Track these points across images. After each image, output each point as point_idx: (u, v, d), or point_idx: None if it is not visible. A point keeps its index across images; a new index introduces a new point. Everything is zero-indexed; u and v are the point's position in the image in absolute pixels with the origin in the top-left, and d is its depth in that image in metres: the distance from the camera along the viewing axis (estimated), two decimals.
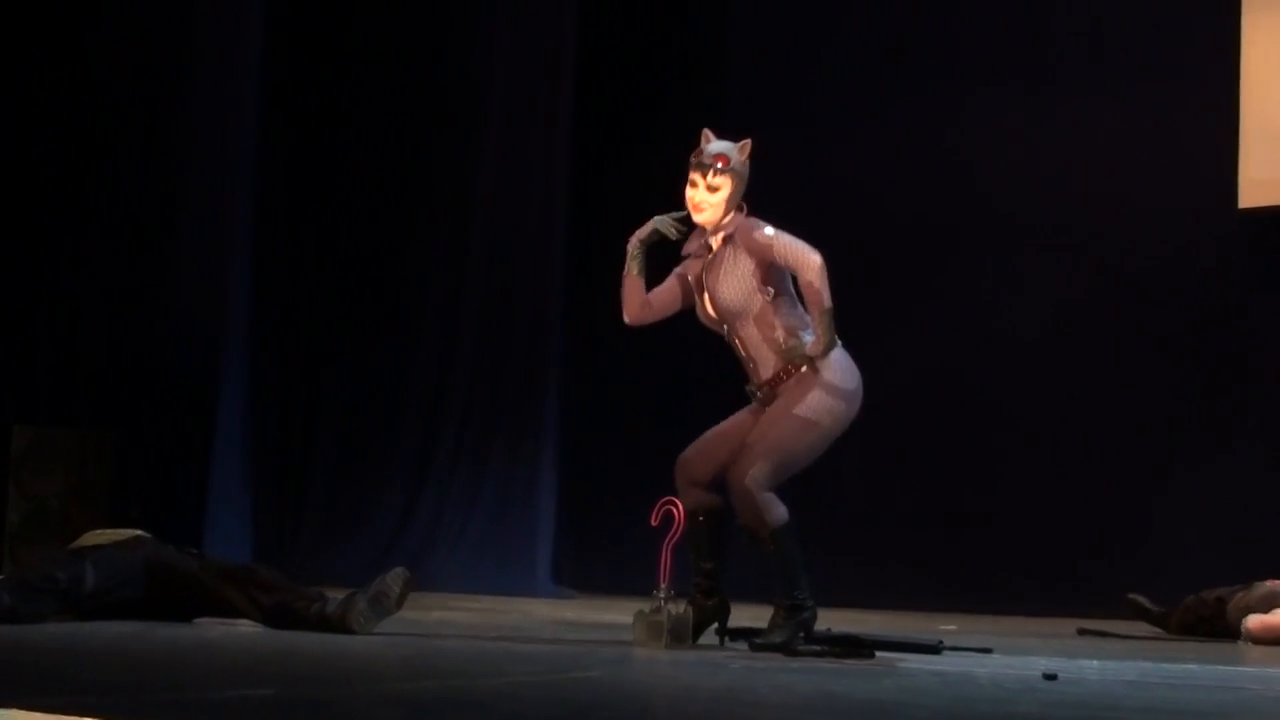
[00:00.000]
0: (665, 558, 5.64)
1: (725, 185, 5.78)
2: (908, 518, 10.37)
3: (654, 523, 5.66)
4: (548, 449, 10.96)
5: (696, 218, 5.84)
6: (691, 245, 5.93)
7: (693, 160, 5.84)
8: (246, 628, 5.88)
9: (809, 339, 5.75)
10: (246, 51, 10.89)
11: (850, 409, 5.80)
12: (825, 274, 5.64)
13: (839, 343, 5.79)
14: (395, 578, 5.78)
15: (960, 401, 10.39)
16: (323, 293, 11.64)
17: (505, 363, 11.13)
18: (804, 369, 5.74)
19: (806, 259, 5.66)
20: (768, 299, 5.76)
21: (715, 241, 5.85)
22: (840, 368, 5.78)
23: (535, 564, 10.64)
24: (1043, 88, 10.45)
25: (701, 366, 9.20)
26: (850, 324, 10.53)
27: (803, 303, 5.77)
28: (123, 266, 10.86)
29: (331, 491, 11.38)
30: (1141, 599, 8.02)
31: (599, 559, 11.15)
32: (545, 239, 11.08)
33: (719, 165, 5.78)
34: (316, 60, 11.72)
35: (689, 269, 5.94)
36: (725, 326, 5.86)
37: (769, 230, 5.75)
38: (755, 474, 5.61)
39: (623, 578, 9.99)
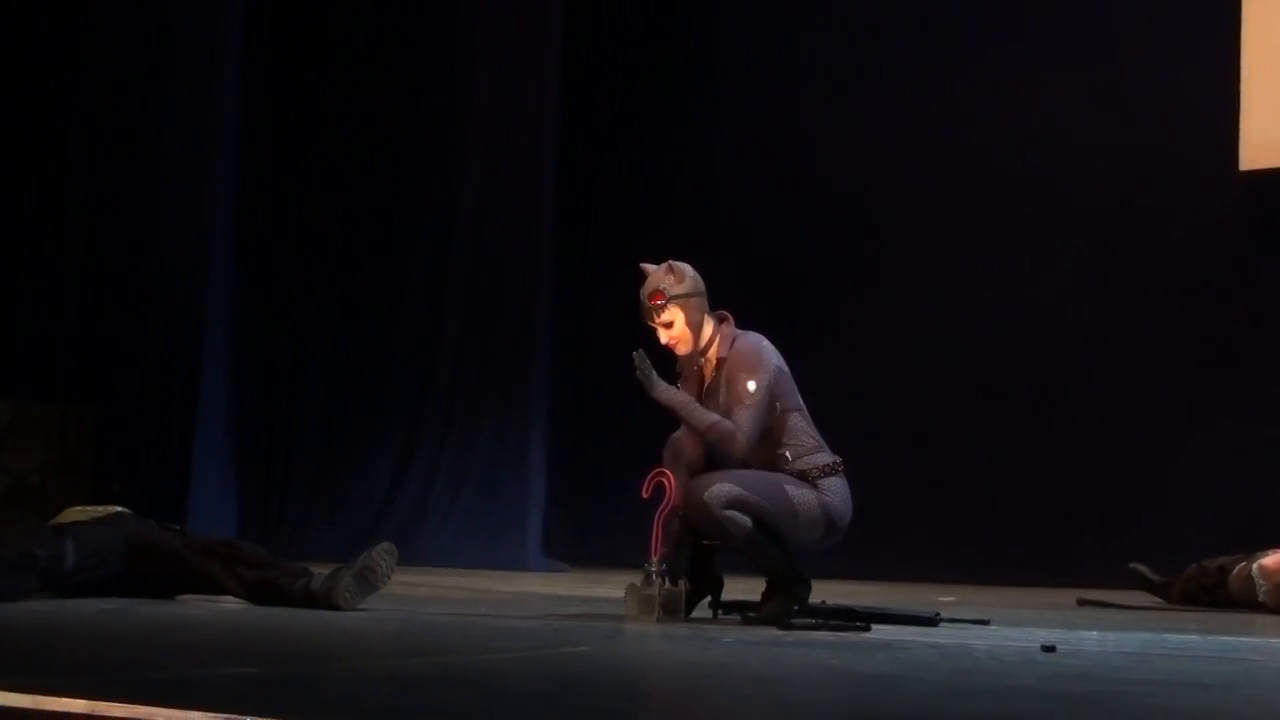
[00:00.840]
0: (657, 530, 5.64)
1: (676, 315, 5.76)
2: (905, 487, 10.37)
3: (645, 494, 5.65)
4: (537, 420, 10.95)
5: (677, 354, 5.82)
6: (682, 364, 5.88)
7: (641, 310, 5.80)
8: (230, 605, 5.88)
9: (821, 460, 5.72)
10: (229, 22, 10.87)
11: (820, 527, 5.69)
12: (735, 447, 5.60)
13: (841, 474, 5.76)
14: (382, 553, 5.79)
15: (957, 368, 10.40)
16: (307, 266, 11.62)
17: (493, 333, 11.11)
18: (814, 481, 5.70)
19: (737, 442, 5.62)
20: (775, 415, 5.73)
21: (707, 366, 5.81)
22: (838, 495, 5.75)
23: (525, 537, 10.64)
24: (1043, 51, 10.43)
25: None
26: (851, 293, 10.63)
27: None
28: (103, 240, 10.84)
29: (317, 466, 11.37)
30: (1142, 568, 8.02)
31: (591, 532, 11.16)
32: (534, 206, 11.06)
33: (657, 303, 5.75)
34: (301, 31, 11.69)
35: (686, 389, 5.88)
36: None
37: (751, 385, 5.67)
38: (718, 491, 5.57)
39: (616, 551, 9.99)
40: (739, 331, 5.83)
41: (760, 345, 5.77)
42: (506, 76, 11.18)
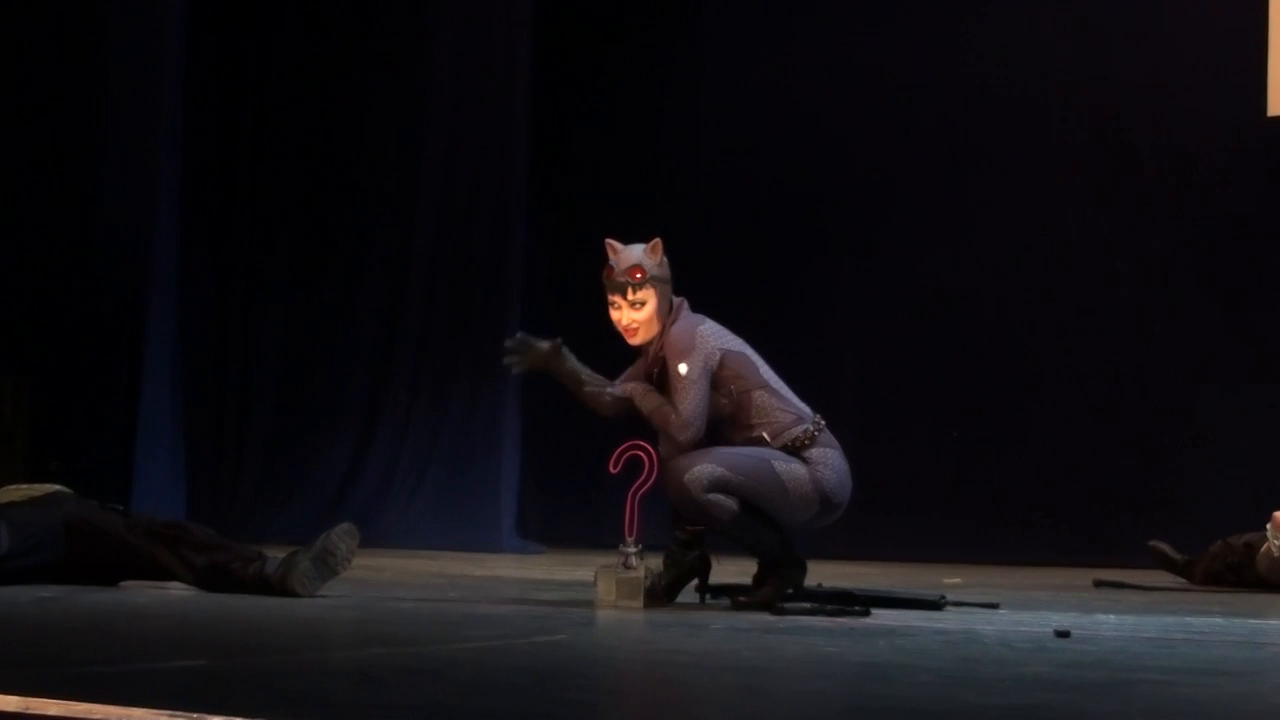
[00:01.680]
0: (632, 508, 5.63)
1: (649, 298, 5.74)
2: (908, 460, 10.39)
3: (613, 469, 5.65)
4: (511, 390, 10.94)
5: (631, 341, 5.80)
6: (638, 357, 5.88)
7: (606, 281, 5.78)
8: (177, 591, 5.88)
9: (798, 431, 5.71)
10: None
11: (814, 504, 5.66)
12: (673, 430, 5.60)
13: (832, 444, 5.74)
14: (342, 534, 5.78)
15: (965, 331, 10.41)
16: (260, 228, 11.59)
17: (463, 297, 11.10)
18: (801, 454, 5.69)
19: (675, 428, 5.61)
20: (734, 399, 5.72)
21: (659, 351, 5.77)
22: (832, 468, 5.72)
23: (498, 517, 10.65)
24: None
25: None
26: (849, 252, 10.62)
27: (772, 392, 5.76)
28: (38, 202, 10.81)
29: (272, 441, 11.37)
30: (1164, 546, 8.05)
31: (569, 510, 11.17)
32: (506, 159, 11.04)
33: (636, 278, 5.74)
34: None
35: (633, 376, 5.87)
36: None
37: (682, 367, 5.65)
38: (699, 474, 5.56)
39: (597, 531, 10.02)
40: (681, 316, 5.80)
41: (694, 329, 5.73)
42: (475, 28, 11.15)
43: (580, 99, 11.58)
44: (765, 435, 5.70)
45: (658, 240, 5.79)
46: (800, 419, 5.75)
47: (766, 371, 5.80)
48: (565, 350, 5.85)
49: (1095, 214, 10.24)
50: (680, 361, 5.67)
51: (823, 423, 5.77)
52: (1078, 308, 10.23)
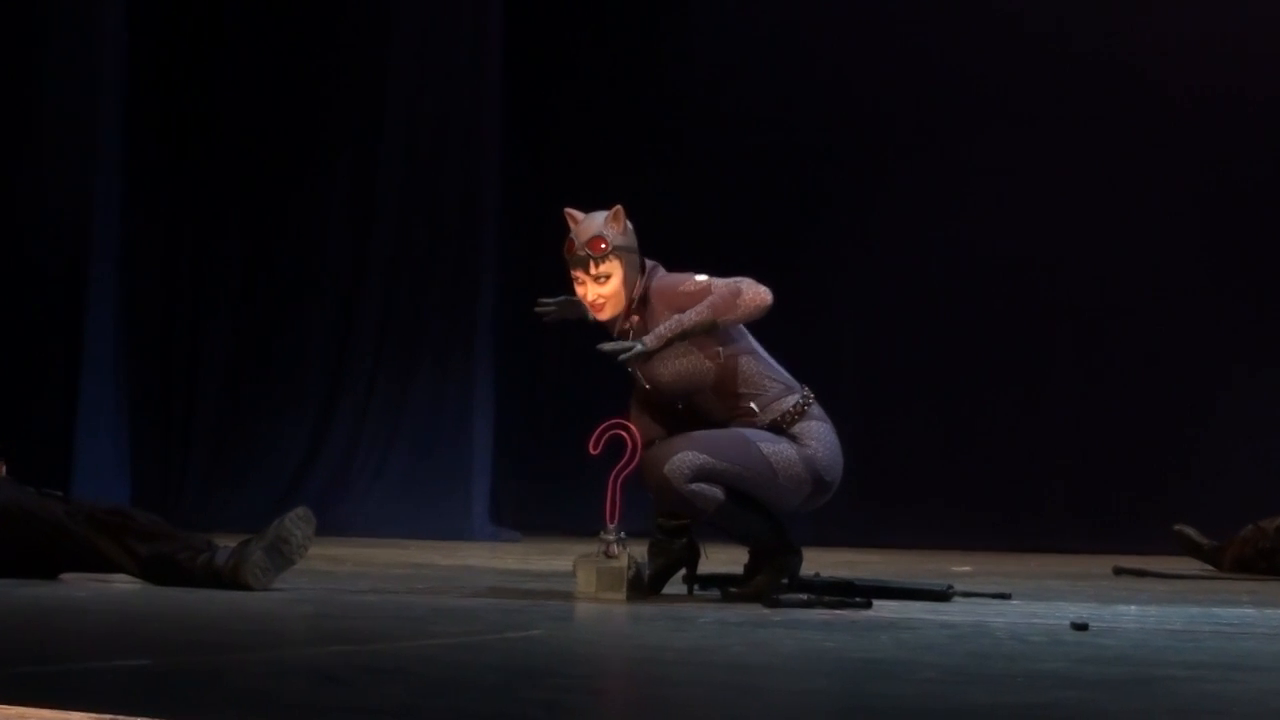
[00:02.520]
0: (614, 491, 5.63)
1: (615, 270, 5.73)
2: (914, 440, 10.41)
3: (594, 450, 5.64)
4: (483, 364, 10.96)
5: (599, 317, 5.78)
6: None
7: (567, 255, 5.77)
8: (122, 584, 5.87)
9: (790, 403, 5.71)
10: None
11: (806, 486, 5.64)
12: (753, 290, 5.60)
13: (820, 416, 5.74)
14: (296, 520, 5.76)
15: (975, 303, 10.41)
16: (211, 192, 11.56)
17: (431, 263, 11.10)
18: (789, 429, 5.68)
19: (751, 290, 5.61)
20: (720, 362, 5.72)
21: (630, 324, 5.77)
22: (822, 443, 5.71)
23: (469, 502, 10.67)
24: None
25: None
26: (852, 221, 10.61)
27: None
28: None
29: (223, 420, 11.37)
30: (1190, 531, 8.06)
31: (546, 495, 11.18)
32: (477, 123, 11.05)
33: (600, 250, 5.72)
34: None
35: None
36: (680, 404, 5.81)
37: (700, 276, 5.67)
38: (680, 463, 5.55)
39: (576, 517, 10.00)
40: (660, 274, 5.79)
41: (685, 274, 5.74)
42: None
43: (558, 59, 11.57)
44: (754, 405, 5.70)
45: (618, 207, 5.78)
46: (789, 389, 5.74)
47: (752, 338, 5.80)
48: None
49: (1121, 179, 10.23)
50: (683, 283, 5.66)
51: (811, 395, 5.77)
52: (1098, 278, 10.23)
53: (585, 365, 10.67)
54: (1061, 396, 10.27)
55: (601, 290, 5.75)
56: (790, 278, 10.61)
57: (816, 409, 5.76)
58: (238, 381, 11.43)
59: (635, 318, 5.77)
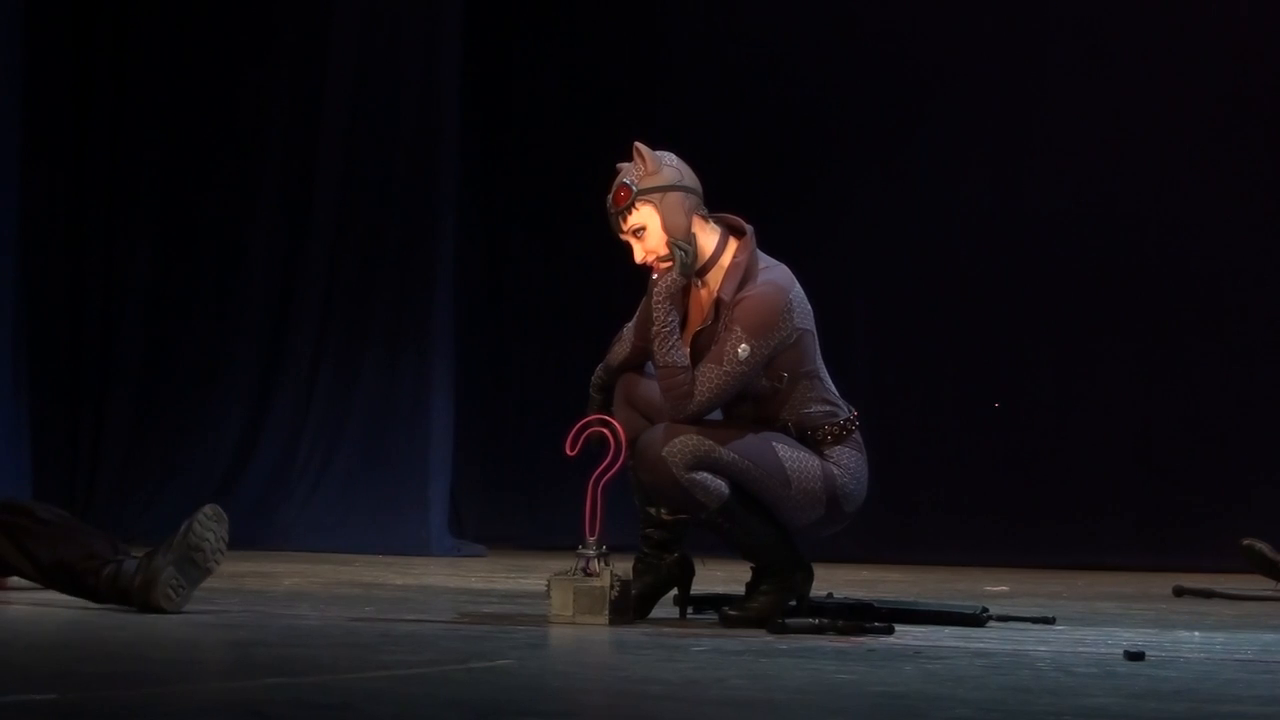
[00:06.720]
0: (594, 500, 5.63)
1: (650, 218, 5.66)
2: (943, 444, 10.42)
3: (570, 451, 5.64)
4: (441, 355, 10.96)
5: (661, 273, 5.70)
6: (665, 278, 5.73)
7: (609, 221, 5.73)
8: (19, 607, 5.86)
9: (831, 421, 5.69)
10: None
11: (819, 506, 5.64)
12: (677, 405, 5.56)
13: (864, 461, 5.74)
14: (205, 521, 5.72)
15: (1014, 289, 10.41)
16: (124, 156, 11.53)
17: (380, 241, 11.10)
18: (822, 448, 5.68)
19: (687, 396, 5.56)
20: (779, 384, 5.69)
21: (703, 296, 5.72)
22: (849, 468, 5.70)
23: (426, 511, 10.67)
24: None
25: None
26: (868, 194, 10.63)
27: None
28: None
29: (141, 414, 11.36)
30: (1261, 545, 8.07)
31: (515, 504, 11.19)
32: (432, 65, 11.03)
33: (621, 202, 5.66)
34: None
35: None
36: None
37: (743, 350, 5.55)
38: (681, 446, 5.54)
39: (548, 528, 10.04)
40: (766, 263, 5.73)
41: (787, 297, 5.65)
42: None
43: (521, 17, 11.55)
44: (790, 424, 5.69)
45: (637, 144, 5.72)
46: (835, 410, 5.72)
47: (820, 358, 5.76)
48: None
49: (1177, 136, 10.22)
50: (748, 341, 5.58)
51: (857, 420, 5.75)
52: (1145, 251, 10.24)
53: (558, 355, 10.76)
54: (1111, 393, 10.26)
55: (644, 245, 5.68)
56: (804, 247, 10.67)
57: (857, 437, 5.75)
58: (156, 375, 11.39)
59: (711, 292, 5.69)
